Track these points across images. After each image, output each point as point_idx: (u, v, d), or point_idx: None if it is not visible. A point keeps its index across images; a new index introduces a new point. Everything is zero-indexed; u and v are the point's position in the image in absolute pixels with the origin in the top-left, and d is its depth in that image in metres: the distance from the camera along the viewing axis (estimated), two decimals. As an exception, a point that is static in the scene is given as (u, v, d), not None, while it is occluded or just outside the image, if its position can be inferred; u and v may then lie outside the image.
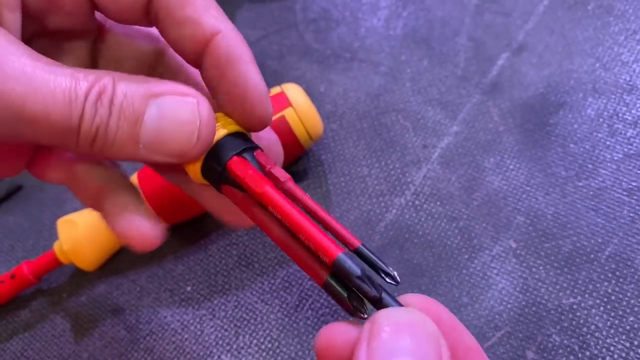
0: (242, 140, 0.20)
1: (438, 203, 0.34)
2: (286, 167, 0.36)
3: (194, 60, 0.21)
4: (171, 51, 0.22)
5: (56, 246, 0.34)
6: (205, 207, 0.23)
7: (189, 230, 0.36)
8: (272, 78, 0.40)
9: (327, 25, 0.44)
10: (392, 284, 0.17)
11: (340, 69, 0.41)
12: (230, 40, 0.20)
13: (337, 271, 0.17)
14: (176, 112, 0.19)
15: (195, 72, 0.22)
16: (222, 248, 0.35)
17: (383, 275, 0.17)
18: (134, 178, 0.34)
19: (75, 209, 0.37)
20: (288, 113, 0.33)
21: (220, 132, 0.19)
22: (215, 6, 0.20)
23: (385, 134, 0.37)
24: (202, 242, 0.35)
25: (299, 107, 0.33)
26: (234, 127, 0.20)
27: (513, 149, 0.35)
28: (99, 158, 0.22)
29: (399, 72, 0.40)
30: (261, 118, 0.21)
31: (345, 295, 0.17)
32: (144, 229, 0.21)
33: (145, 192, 0.33)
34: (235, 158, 0.19)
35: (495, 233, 0.32)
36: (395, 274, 0.17)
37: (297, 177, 0.36)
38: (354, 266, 0.17)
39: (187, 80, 0.23)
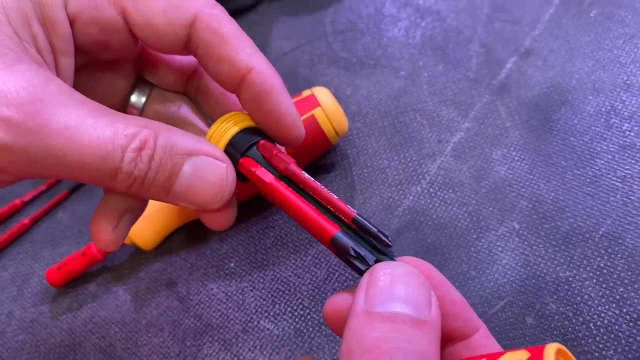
0: (251, 135, 0.23)
1: (450, 190, 0.38)
2: (316, 160, 0.41)
3: (231, 89, 0.23)
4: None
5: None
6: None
7: (231, 216, 0.41)
8: (304, 83, 0.45)
9: (353, 35, 0.49)
10: (387, 245, 0.20)
11: (365, 75, 0.46)
12: (263, 75, 0.22)
13: (335, 246, 0.20)
14: (208, 173, 0.21)
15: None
16: (261, 230, 0.40)
17: (376, 239, 0.20)
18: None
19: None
20: (317, 112, 0.38)
21: (232, 130, 0.23)
22: (250, 44, 0.23)
23: (404, 130, 0.42)
24: (244, 225, 0.40)
25: (327, 106, 0.38)
26: (242, 124, 0.23)
27: (518, 142, 0.39)
28: (133, 196, 0.23)
29: (417, 76, 0.44)
30: (295, 137, 0.24)
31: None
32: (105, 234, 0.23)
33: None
34: (242, 159, 0.22)
35: (501, 216, 0.36)
36: (388, 236, 0.20)
37: (325, 169, 0.41)
38: (348, 242, 0.20)
39: (224, 96, 0.26)
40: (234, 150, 0.23)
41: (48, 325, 0.40)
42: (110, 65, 0.25)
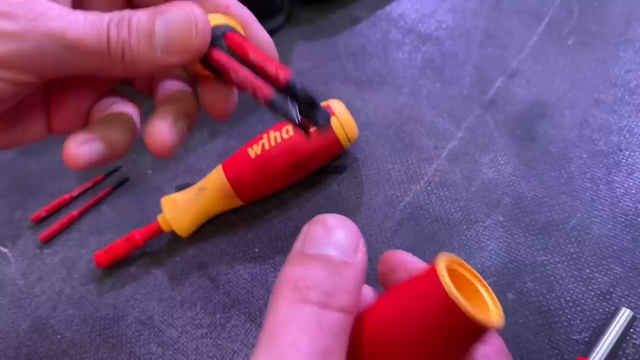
0: (222, 28, 0.26)
1: (445, 189, 0.44)
2: (330, 161, 0.47)
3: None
4: None
5: (160, 218, 0.46)
6: (203, 103, 0.29)
7: (257, 207, 0.48)
8: (321, 97, 0.52)
9: (363, 57, 0.56)
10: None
11: (373, 91, 0.52)
12: (240, 9, 0.27)
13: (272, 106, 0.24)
14: (176, 18, 0.24)
15: None
16: (281, 221, 0.46)
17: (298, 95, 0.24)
18: (219, 169, 0.46)
19: (171, 193, 0.49)
20: (332, 120, 0.44)
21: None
22: None
23: (406, 138, 0.48)
24: (267, 216, 0.47)
25: (340, 116, 0.44)
26: (217, 21, 0.26)
27: (504, 149, 0.45)
28: (133, 75, 0.26)
29: (417, 92, 0.51)
30: (274, 54, 0.29)
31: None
32: (161, 133, 0.26)
33: (229, 177, 0.44)
34: (211, 50, 0.26)
35: (488, 210, 0.42)
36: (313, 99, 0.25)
37: (338, 169, 0.48)
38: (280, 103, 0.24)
39: None
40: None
41: (94, 302, 0.46)
42: None
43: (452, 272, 0.20)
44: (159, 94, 0.29)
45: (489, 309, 0.20)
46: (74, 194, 0.52)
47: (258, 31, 0.29)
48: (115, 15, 0.24)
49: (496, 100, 0.48)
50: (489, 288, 0.20)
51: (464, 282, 0.20)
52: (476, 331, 0.18)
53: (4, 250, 0.51)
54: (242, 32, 0.28)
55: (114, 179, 0.53)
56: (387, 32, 0.57)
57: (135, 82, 0.32)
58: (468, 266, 0.21)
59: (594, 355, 0.34)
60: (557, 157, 0.44)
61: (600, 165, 0.43)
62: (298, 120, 0.24)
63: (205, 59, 0.26)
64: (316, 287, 0.19)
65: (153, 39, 0.24)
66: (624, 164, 0.42)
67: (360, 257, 0.20)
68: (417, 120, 0.49)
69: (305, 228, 0.21)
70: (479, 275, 0.20)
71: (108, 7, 0.28)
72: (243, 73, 0.25)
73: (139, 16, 0.24)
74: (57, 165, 0.56)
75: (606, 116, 0.45)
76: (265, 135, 0.45)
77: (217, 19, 0.27)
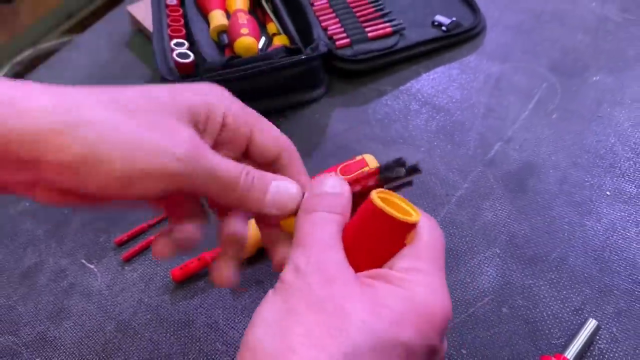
0: None
1: (453, 227, 0.56)
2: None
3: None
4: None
5: (226, 242, 0.57)
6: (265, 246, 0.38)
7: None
8: (354, 152, 0.65)
9: (388, 122, 0.69)
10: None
11: (396, 149, 0.65)
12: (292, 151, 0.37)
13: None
14: (287, 189, 0.34)
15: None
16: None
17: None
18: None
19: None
20: (365, 170, 0.57)
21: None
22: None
23: (423, 187, 0.60)
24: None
25: (372, 166, 0.57)
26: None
27: (500, 198, 0.57)
28: (236, 206, 0.34)
29: (432, 151, 0.64)
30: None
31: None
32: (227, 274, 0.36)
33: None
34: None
35: (487, 244, 0.54)
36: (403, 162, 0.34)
37: (369, 210, 0.60)
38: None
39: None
40: None
41: (169, 309, 0.57)
42: None
43: (386, 200, 0.31)
44: (225, 231, 0.36)
45: (412, 216, 0.32)
46: (152, 222, 0.64)
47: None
48: (245, 167, 0.32)
49: (495, 160, 0.61)
50: (415, 207, 0.32)
51: (397, 206, 0.32)
52: (400, 226, 0.30)
53: (91, 266, 0.63)
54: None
55: (184, 212, 0.65)
56: (408, 103, 0.71)
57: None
58: (400, 197, 0.32)
59: (566, 353, 0.44)
60: (542, 205, 0.56)
61: (576, 212, 0.55)
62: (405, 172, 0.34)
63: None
64: (323, 205, 0.32)
65: (265, 194, 0.33)
66: (594, 212, 0.54)
67: (345, 188, 0.33)
68: (432, 173, 0.62)
69: (312, 182, 0.34)
70: (407, 201, 0.32)
71: (231, 155, 0.36)
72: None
73: (261, 175, 0.33)
74: (135, 200, 0.69)
75: (581, 175, 0.57)
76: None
77: None
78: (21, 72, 1.64)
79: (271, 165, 0.36)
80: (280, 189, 0.34)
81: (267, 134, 0.35)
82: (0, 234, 0.68)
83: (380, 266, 0.31)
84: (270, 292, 0.31)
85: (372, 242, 0.31)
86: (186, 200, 0.35)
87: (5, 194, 0.30)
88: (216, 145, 0.34)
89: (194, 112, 0.32)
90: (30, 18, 1.75)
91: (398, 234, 0.31)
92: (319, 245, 0.30)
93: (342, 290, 0.28)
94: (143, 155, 0.28)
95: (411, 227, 0.31)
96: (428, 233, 0.32)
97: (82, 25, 1.73)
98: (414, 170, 0.33)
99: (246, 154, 0.36)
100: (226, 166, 0.31)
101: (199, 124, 0.32)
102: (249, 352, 0.28)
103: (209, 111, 0.33)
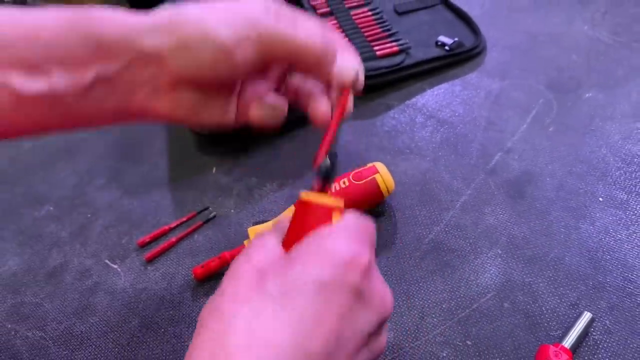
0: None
1: (458, 230, 0.60)
2: (373, 208, 0.64)
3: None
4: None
5: (246, 242, 0.61)
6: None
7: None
8: (366, 160, 0.69)
9: (395, 134, 0.73)
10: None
11: (403, 159, 0.70)
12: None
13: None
14: (350, 60, 0.40)
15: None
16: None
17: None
18: (292, 207, 0.62)
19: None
20: (377, 177, 0.61)
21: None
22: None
23: (428, 193, 0.65)
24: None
25: (382, 173, 0.61)
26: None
27: (501, 203, 0.62)
28: (321, 70, 0.38)
29: (437, 161, 0.68)
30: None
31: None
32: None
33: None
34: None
35: (490, 246, 0.58)
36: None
37: (378, 213, 0.64)
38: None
39: None
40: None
41: (190, 305, 0.60)
42: None
43: (317, 198, 0.36)
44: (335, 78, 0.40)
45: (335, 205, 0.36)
46: (173, 225, 0.68)
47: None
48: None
49: (496, 169, 0.66)
50: (340, 200, 0.37)
51: (327, 201, 0.36)
52: (324, 211, 0.35)
53: (114, 266, 0.66)
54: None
55: (203, 215, 0.69)
56: (414, 117, 0.75)
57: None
58: (328, 195, 0.37)
59: (564, 342, 0.48)
60: (540, 210, 0.60)
61: (571, 216, 0.59)
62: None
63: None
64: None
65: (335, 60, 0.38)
66: (588, 217, 0.59)
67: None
68: (437, 181, 0.66)
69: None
70: (340, 199, 0.37)
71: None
72: (327, 138, 0.42)
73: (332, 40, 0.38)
74: (155, 204, 0.72)
75: (576, 183, 0.62)
76: (328, 185, 0.61)
77: None
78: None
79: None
80: (344, 59, 0.39)
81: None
82: (25, 237, 0.72)
83: None
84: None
85: (305, 231, 0.35)
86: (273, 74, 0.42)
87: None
88: None
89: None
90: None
91: (324, 219, 0.36)
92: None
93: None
94: (240, 24, 0.33)
95: (333, 209, 0.36)
96: (354, 217, 0.36)
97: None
98: (332, 155, 0.39)
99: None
100: (306, 31, 0.35)
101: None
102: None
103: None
